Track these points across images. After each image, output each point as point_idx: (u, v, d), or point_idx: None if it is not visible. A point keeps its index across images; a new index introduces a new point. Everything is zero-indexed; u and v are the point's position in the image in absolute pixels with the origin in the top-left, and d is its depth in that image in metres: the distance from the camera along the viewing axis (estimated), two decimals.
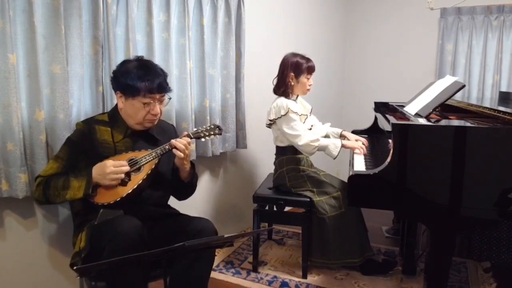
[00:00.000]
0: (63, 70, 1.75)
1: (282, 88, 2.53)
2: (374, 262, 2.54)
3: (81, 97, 1.89)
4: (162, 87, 1.68)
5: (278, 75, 2.58)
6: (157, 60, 2.18)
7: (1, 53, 1.57)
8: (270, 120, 2.50)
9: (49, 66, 1.73)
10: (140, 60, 1.71)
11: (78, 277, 1.68)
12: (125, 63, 1.71)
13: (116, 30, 2.02)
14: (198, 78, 2.54)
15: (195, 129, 1.81)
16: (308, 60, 2.55)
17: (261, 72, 3.20)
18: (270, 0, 3.26)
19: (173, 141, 1.68)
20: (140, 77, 1.62)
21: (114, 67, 1.96)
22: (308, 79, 2.54)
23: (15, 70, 1.60)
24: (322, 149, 2.41)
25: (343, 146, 2.40)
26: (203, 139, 1.82)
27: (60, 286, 1.94)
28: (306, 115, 2.60)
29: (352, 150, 2.43)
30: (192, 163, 1.84)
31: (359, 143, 2.43)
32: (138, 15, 2.13)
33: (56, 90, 1.75)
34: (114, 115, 1.74)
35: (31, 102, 1.69)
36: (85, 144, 1.66)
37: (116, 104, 1.73)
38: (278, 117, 2.43)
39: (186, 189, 1.89)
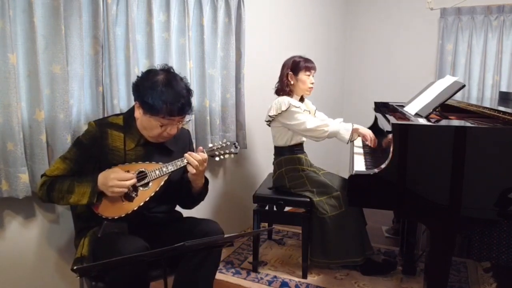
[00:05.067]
0: (63, 70, 1.75)
1: (282, 87, 2.54)
2: (374, 262, 2.54)
3: (81, 97, 1.88)
4: (183, 111, 1.57)
5: (278, 78, 2.60)
6: (157, 61, 2.18)
7: (1, 53, 1.56)
8: (270, 116, 2.50)
9: (49, 66, 1.73)
10: (167, 73, 1.58)
11: (78, 277, 1.68)
12: (151, 74, 1.58)
13: (116, 30, 2.02)
14: (198, 78, 2.54)
15: (210, 145, 1.71)
16: (306, 59, 2.55)
17: (261, 72, 3.20)
18: (270, 0, 3.26)
19: (187, 155, 1.60)
20: (162, 98, 1.51)
21: (114, 67, 1.97)
22: (308, 76, 2.52)
23: (15, 70, 1.59)
24: (333, 134, 2.36)
25: (355, 130, 2.34)
26: (217, 158, 1.69)
27: (60, 286, 1.94)
28: (309, 111, 2.59)
29: (352, 149, 2.42)
30: (206, 179, 1.76)
31: (369, 132, 2.39)
32: (138, 15, 2.13)
33: (56, 90, 1.74)
34: (129, 121, 1.65)
35: (31, 102, 1.69)
36: (95, 149, 1.61)
37: (133, 108, 1.64)
38: (279, 113, 2.43)
39: (192, 202, 1.84)
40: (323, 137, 2.40)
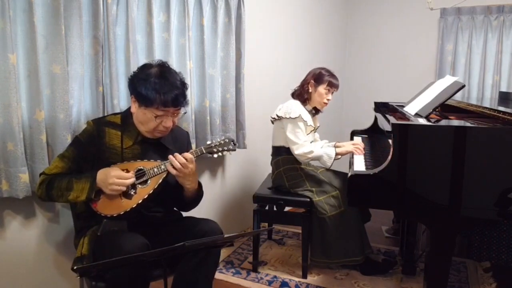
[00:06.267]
0: (63, 70, 1.75)
1: (300, 92, 2.56)
2: (374, 262, 2.54)
3: (81, 97, 1.88)
4: (177, 102, 1.57)
5: (301, 82, 2.62)
6: None
7: (1, 53, 1.56)
8: (277, 116, 2.51)
9: (49, 66, 1.73)
10: (161, 67, 1.60)
11: (78, 277, 1.68)
12: (145, 68, 1.61)
13: (116, 30, 2.02)
14: (198, 78, 2.54)
15: (208, 143, 1.68)
16: (332, 75, 2.56)
17: (261, 72, 3.20)
18: (270, 0, 3.26)
19: (170, 156, 1.59)
20: (156, 88, 1.53)
21: (114, 67, 1.97)
22: (327, 91, 2.54)
23: (15, 70, 1.59)
24: (316, 159, 2.45)
25: (338, 154, 2.44)
26: (215, 155, 1.67)
27: (60, 286, 1.94)
28: (314, 128, 2.61)
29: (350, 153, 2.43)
30: (199, 183, 1.75)
31: (353, 147, 2.44)
32: (138, 15, 2.13)
33: (56, 90, 1.74)
34: (126, 119, 1.67)
35: (31, 102, 1.69)
36: (93, 147, 1.62)
37: (130, 107, 1.66)
38: (286, 118, 2.44)
39: (187, 206, 1.83)
40: (304, 162, 2.53)
